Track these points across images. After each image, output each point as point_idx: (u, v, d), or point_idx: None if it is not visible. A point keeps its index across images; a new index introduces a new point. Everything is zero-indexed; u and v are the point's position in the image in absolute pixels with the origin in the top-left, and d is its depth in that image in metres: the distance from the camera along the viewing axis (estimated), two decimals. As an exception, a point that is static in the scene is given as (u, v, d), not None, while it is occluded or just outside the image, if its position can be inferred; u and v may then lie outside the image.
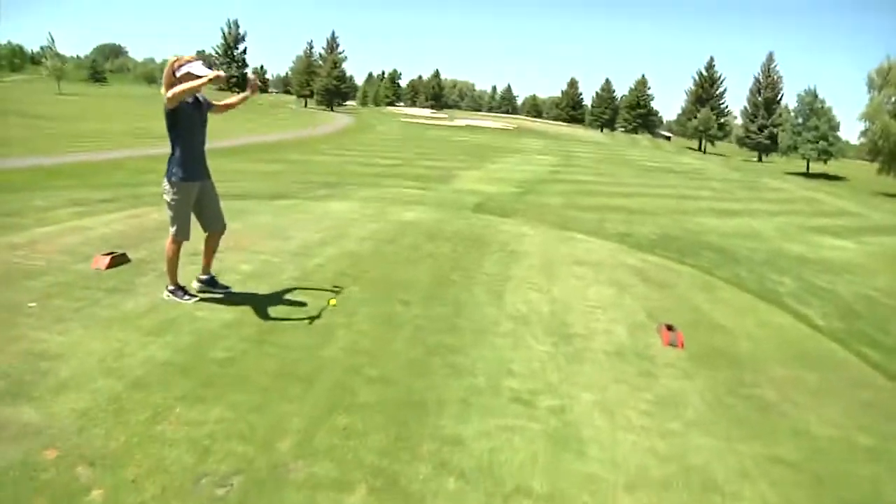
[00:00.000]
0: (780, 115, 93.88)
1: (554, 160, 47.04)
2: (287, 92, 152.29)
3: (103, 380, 4.47)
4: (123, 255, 7.45)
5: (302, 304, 6.38)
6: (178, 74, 5.73)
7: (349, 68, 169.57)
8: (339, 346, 5.43)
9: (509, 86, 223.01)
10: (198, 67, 5.76)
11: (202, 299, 6.33)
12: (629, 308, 7.56)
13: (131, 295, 6.30)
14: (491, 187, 26.51)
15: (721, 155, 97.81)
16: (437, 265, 8.50)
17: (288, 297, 6.60)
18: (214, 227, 6.45)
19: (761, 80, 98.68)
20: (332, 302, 6.41)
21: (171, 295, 6.24)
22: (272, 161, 32.39)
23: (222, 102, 6.48)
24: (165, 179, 5.98)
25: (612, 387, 5.26)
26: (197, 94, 5.92)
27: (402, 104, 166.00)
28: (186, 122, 5.90)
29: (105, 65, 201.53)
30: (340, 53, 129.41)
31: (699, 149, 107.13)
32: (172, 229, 6.08)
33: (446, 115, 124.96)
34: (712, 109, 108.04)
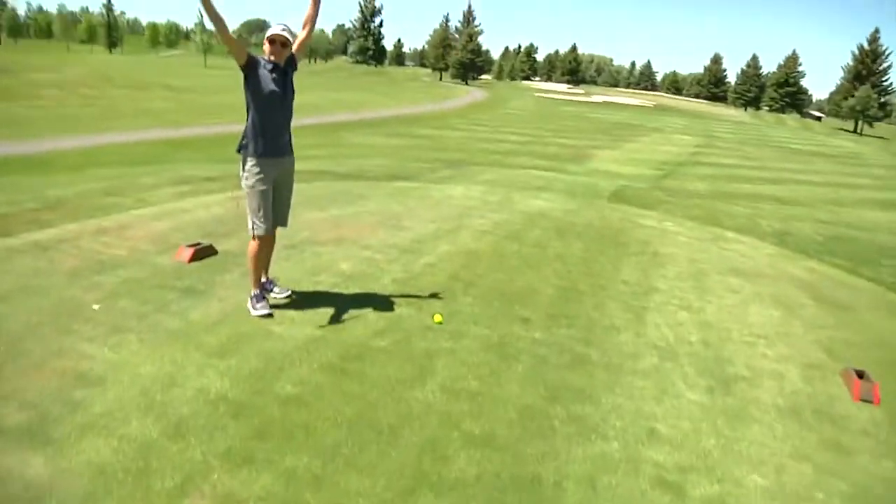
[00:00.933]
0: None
1: (695, 140, 44.32)
2: (423, 65, 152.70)
3: (139, 419, 3.62)
4: (210, 246, 6.72)
5: (400, 320, 5.39)
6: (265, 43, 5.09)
7: (485, 42, 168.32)
8: (437, 384, 4.38)
9: (649, 62, 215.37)
10: (275, 26, 5.15)
11: (285, 306, 5.46)
12: (801, 339, 6.11)
13: (205, 298, 5.52)
14: (628, 168, 24.85)
15: (881, 138, 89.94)
16: (566, 270, 7.31)
17: (385, 308, 5.62)
18: (278, 222, 5.53)
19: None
20: (438, 319, 5.38)
21: (249, 301, 5.37)
22: (400, 136, 31.89)
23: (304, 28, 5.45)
24: (240, 160, 5.17)
25: (789, 466, 3.94)
26: (277, 61, 5.07)
27: (537, 79, 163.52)
28: (260, 87, 5.02)
29: (250, 39, 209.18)
30: (477, 27, 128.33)
31: (855, 130, 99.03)
32: (249, 224, 5.26)
33: (582, 91, 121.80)
34: (873, 87, 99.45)
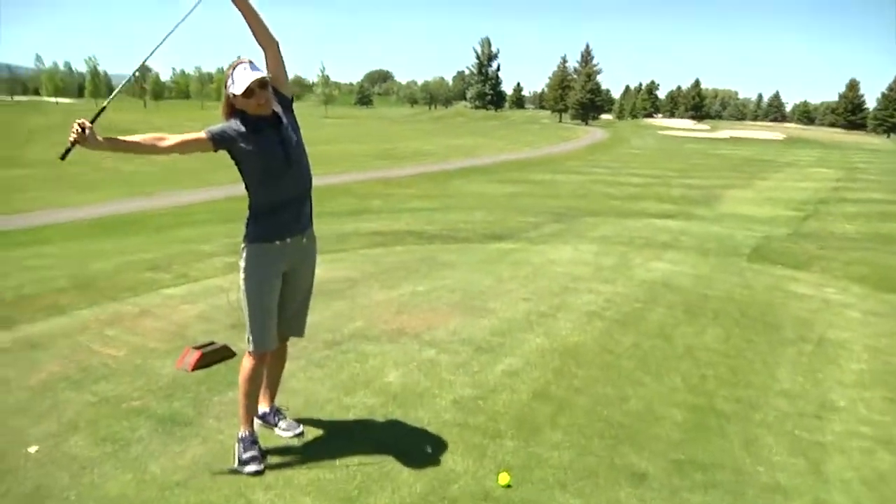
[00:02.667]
0: None
1: (834, 174, 40.43)
2: (542, 107, 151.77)
3: None
4: (224, 347, 5.23)
5: (448, 480, 3.60)
6: (229, 97, 3.54)
7: (604, 81, 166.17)
8: None
9: (777, 92, 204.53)
10: (238, 79, 3.45)
11: (286, 451, 3.82)
12: None
13: (186, 434, 4.02)
14: (764, 210, 22.22)
15: None
16: (699, 375, 5.32)
17: (432, 454, 3.85)
18: (291, 330, 3.97)
19: None
20: (505, 479, 3.57)
21: (238, 449, 3.75)
22: (514, 182, 30.32)
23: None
24: (240, 253, 3.70)
25: None
26: (263, 113, 3.52)
27: (659, 116, 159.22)
28: (253, 161, 3.52)
29: (372, 89, 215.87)
30: (595, 66, 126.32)
31: None
32: (246, 333, 3.70)
33: (708, 126, 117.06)
34: None
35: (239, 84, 3.39)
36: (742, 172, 38.61)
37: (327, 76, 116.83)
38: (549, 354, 5.55)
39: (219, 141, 3.41)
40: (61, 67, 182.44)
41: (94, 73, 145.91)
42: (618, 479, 3.73)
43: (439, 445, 3.98)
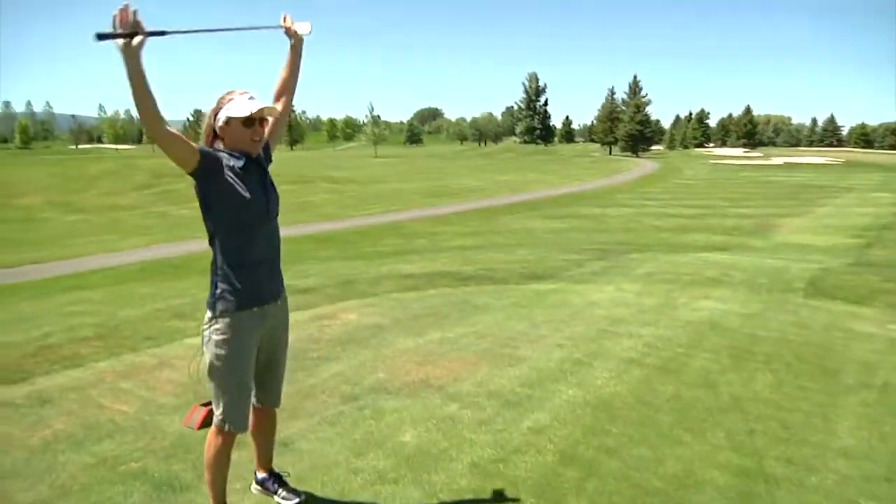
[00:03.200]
0: None
1: (897, 198, 38.84)
2: (592, 140, 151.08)
3: None
4: (233, 405, 4.92)
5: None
6: (220, 122, 3.16)
7: (654, 112, 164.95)
8: None
9: (832, 115, 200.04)
10: (239, 105, 3.12)
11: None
12: None
13: (184, 500, 3.77)
14: (822, 239, 21.34)
15: None
16: (747, 431, 4.80)
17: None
18: (267, 400, 3.57)
19: None
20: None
21: None
22: (562, 217, 29.88)
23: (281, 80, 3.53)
24: (205, 320, 3.25)
25: None
26: (251, 152, 3.21)
27: (711, 145, 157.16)
28: (232, 200, 3.11)
29: (423, 127, 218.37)
30: (644, 97, 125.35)
31: None
32: (218, 412, 3.30)
33: (761, 154, 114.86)
34: None
35: (241, 108, 3.08)
36: (798, 200, 37.48)
37: (377, 116, 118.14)
38: (581, 408, 5.11)
39: (205, 156, 3.01)
40: (122, 115, 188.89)
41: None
42: (649, 565, 3.27)
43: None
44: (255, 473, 3.82)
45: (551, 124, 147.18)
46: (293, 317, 7.61)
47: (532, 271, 11.44)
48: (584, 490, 3.90)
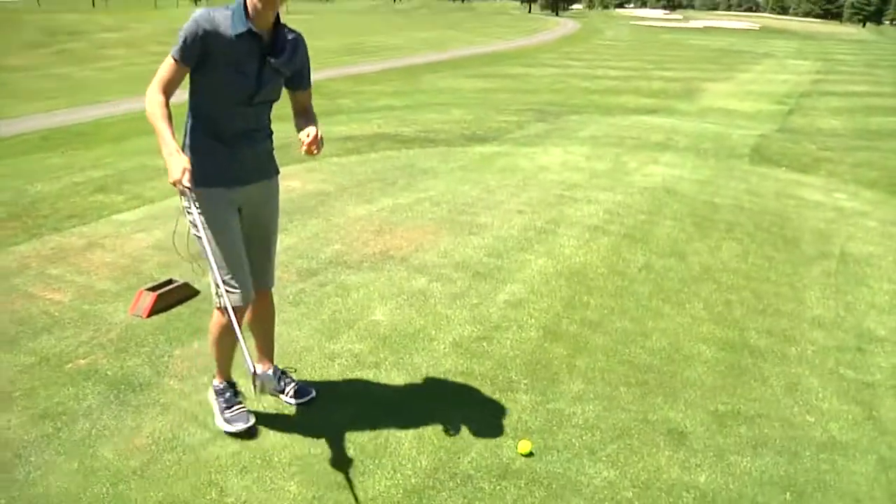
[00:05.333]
0: None
1: (813, 66, 39.50)
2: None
3: None
4: (184, 286, 4.53)
5: (458, 451, 3.03)
6: None
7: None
8: None
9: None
10: None
11: (268, 417, 3.21)
12: None
13: (141, 402, 3.36)
14: (746, 105, 21.57)
15: None
16: (724, 301, 4.76)
17: (434, 418, 3.26)
18: (259, 280, 3.16)
19: None
20: (525, 448, 3.01)
21: (212, 398, 3.20)
22: (487, 76, 29.15)
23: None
24: None
25: None
26: (260, 27, 2.70)
27: (631, 5, 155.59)
28: (213, 81, 2.69)
29: None
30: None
31: None
32: (212, 287, 2.95)
33: (680, 16, 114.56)
34: None
35: None
36: (719, 64, 37.60)
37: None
38: (555, 279, 4.95)
39: (188, 58, 2.61)
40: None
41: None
42: (654, 438, 3.20)
43: (442, 404, 3.40)
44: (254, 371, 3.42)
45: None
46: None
47: (473, 132, 11.07)
48: (575, 367, 3.77)
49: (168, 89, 2.63)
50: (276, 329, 3.49)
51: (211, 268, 2.82)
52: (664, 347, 4.06)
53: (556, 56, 40.95)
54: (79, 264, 5.13)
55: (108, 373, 3.62)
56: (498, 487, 2.82)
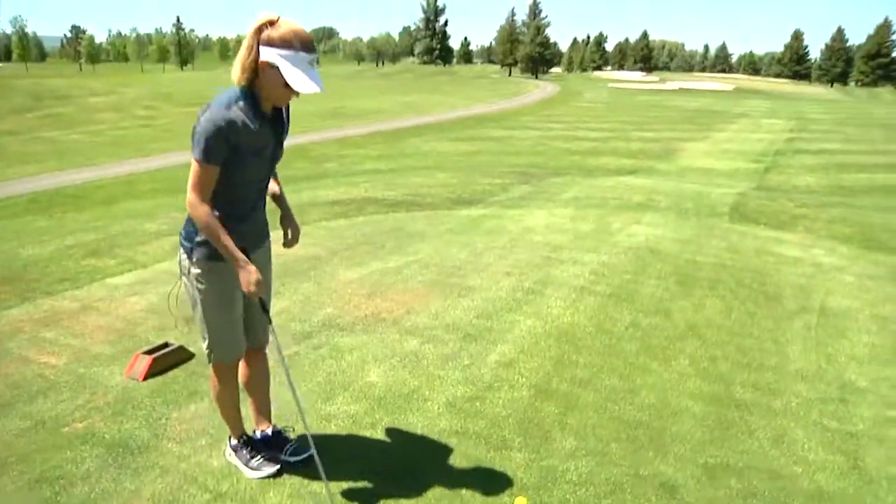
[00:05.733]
0: None
1: (787, 124, 40.61)
2: (491, 62, 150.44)
3: None
4: (179, 349, 4.61)
5: (458, 511, 3.10)
6: (263, 57, 2.66)
7: (553, 34, 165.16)
8: None
9: (723, 43, 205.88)
10: (297, 73, 2.67)
11: (266, 478, 3.27)
12: None
13: (145, 463, 3.40)
14: (723, 163, 22.14)
15: None
16: (708, 357, 4.88)
17: (430, 479, 3.33)
18: (253, 342, 3.31)
19: None
20: (521, 504, 3.09)
21: (234, 455, 3.35)
22: (470, 139, 29.72)
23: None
24: (183, 252, 3.00)
25: None
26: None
27: (608, 68, 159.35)
28: (236, 168, 2.82)
29: (318, 46, 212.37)
30: (544, 19, 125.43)
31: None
32: (205, 347, 3.10)
33: (657, 78, 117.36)
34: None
35: (301, 83, 2.67)
36: (696, 124, 38.54)
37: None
38: (544, 339, 5.06)
39: (216, 159, 2.73)
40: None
41: (22, 34, 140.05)
42: (646, 493, 3.27)
43: (439, 463, 3.46)
44: (254, 432, 3.49)
45: (450, 45, 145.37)
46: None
47: (459, 196, 11.29)
48: (567, 425, 3.86)
49: (207, 194, 2.76)
50: (273, 390, 3.57)
51: (207, 332, 2.98)
52: (653, 403, 4.16)
53: (536, 118, 41.81)
54: (73, 327, 5.18)
55: (106, 436, 3.65)
56: (496, 544, 2.88)
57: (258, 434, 3.46)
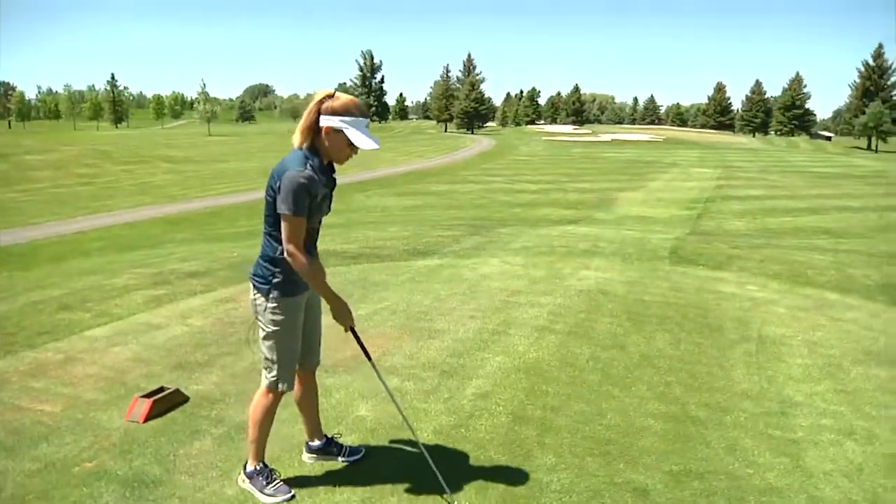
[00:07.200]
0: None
1: (715, 173, 42.65)
2: (427, 117, 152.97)
3: None
4: (176, 392, 4.89)
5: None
6: (323, 123, 3.34)
7: (487, 89, 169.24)
8: None
9: (652, 96, 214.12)
10: (359, 133, 3.35)
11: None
12: None
13: (163, 494, 3.68)
14: (658, 211, 23.18)
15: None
16: (664, 383, 5.41)
17: (431, 491, 3.72)
18: (312, 361, 3.96)
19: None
20: (515, 514, 3.50)
21: (248, 482, 3.71)
22: (413, 194, 30.36)
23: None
24: (257, 293, 3.53)
25: None
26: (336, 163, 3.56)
27: (542, 122, 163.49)
28: (312, 213, 3.41)
29: (254, 104, 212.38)
30: (478, 75, 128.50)
31: (868, 147, 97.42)
32: (271, 375, 3.63)
33: (590, 131, 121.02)
34: (884, 102, 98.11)
35: (363, 141, 3.32)
36: (629, 174, 40.08)
37: (207, 93, 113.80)
38: (514, 373, 5.51)
39: (304, 210, 3.30)
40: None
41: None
42: (623, 497, 3.72)
43: (434, 481, 3.84)
44: (308, 444, 4.06)
45: (386, 101, 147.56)
46: (195, 301, 7.61)
47: (413, 247, 11.75)
48: (545, 444, 4.30)
49: (301, 243, 3.33)
50: (273, 427, 3.91)
51: (277, 361, 3.56)
52: (619, 423, 4.64)
53: (476, 172, 42.84)
54: (61, 377, 5.34)
55: (119, 473, 3.88)
56: (497, 544, 3.28)
57: (315, 444, 4.02)
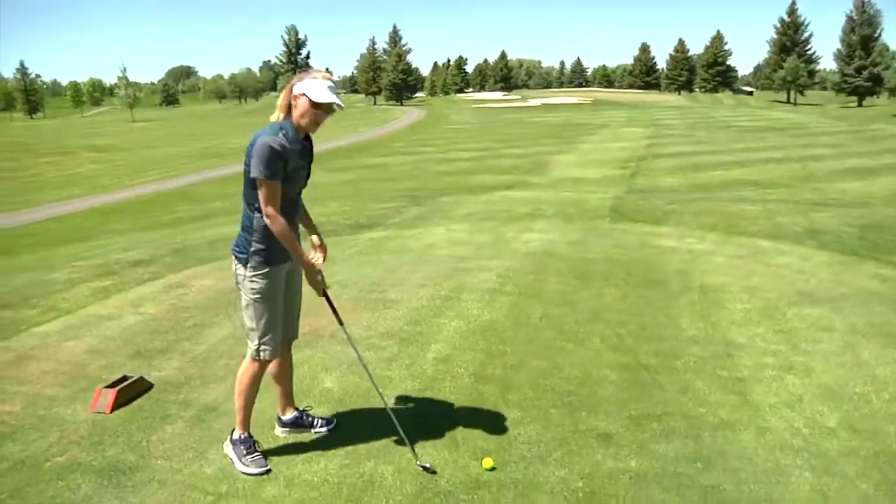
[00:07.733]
0: (881, 53, 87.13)
1: (644, 132, 43.38)
2: (355, 91, 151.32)
3: None
4: (139, 380, 4.88)
5: (434, 477, 3.63)
6: (294, 92, 3.53)
7: (414, 60, 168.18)
8: None
9: (578, 59, 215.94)
10: (318, 88, 3.47)
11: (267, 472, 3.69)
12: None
13: (141, 479, 3.71)
14: (591, 172, 23.55)
15: (814, 104, 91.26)
16: (615, 335, 5.64)
17: (406, 454, 3.85)
18: (290, 335, 4.08)
19: (855, 18, 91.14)
20: (488, 463, 3.66)
21: (231, 448, 3.84)
22: (347, 169, 30.10)
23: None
24: (238, 263, 3.65)
25: None
26: (309, 134, 3.68)
27: (471, 90, 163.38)
28: (288, 170, 3.54)
29: (177, 86, 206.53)
30: (404, 46, 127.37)
31: (788, 101, 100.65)
32: (253, 343, 3.72)
33: (519, 97, 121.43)
34: (799, 57, 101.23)
35: (321, 94, 3.43)
36: (562, 138, 40.46)
37: (127, 77, 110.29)
38: (471, 336, 5.66)
39: (278, 174, 3.44)
40: None
41: None
42: (588, 442, 3.92)
43: (407, 442, 3.97)
44: (280, 418, 4.17)
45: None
46: (144, 289, 7.50)
47: (356, 221, 11.75)
48: (509, 400, 4.47)
49: (278, 206, 3.47)
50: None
51: (259, 329, 3.65)
52: (577, 376, 4.84)
53: (408, 144, 42.68)
54: (16, 376, 5.19)
55: (93, 463, 3.87)
56: (475, 496, 3.43)
57: (288, 417, 4.11)
